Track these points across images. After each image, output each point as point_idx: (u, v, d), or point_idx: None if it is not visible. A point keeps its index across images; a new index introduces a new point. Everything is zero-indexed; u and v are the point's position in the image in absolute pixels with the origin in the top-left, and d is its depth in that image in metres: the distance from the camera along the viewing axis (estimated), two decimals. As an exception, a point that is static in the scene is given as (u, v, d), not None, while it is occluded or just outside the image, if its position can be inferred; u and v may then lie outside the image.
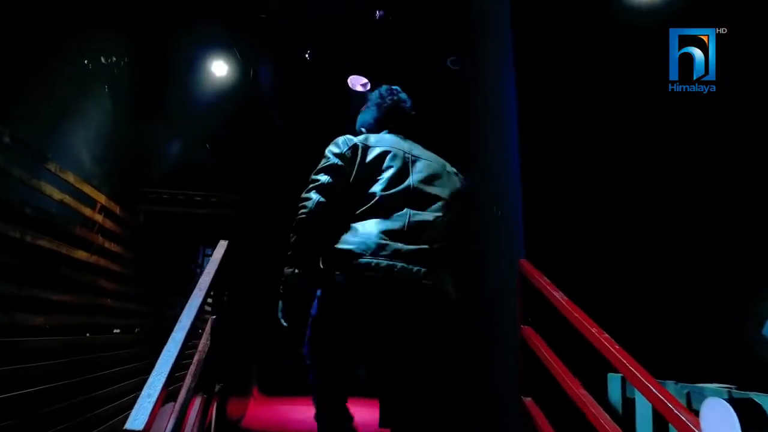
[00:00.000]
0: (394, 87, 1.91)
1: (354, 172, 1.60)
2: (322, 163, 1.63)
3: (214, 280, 1.92)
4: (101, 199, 4.50)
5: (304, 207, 1.55)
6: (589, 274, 2.29)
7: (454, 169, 1.77)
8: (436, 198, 1.62)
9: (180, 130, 5.76)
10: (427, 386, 1.55)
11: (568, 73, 2.54)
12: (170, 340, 1.37)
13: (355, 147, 1.64)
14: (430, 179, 1.65)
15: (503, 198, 2.66)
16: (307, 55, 5.68)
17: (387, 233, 1.50)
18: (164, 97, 5.37)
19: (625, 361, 1.60)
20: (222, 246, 2.23)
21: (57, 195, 3.67)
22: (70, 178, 3.90)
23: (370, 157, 1.62)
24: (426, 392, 1.55)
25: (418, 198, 1.60)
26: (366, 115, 1.90)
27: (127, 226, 5.18)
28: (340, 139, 1.68)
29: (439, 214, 1.59)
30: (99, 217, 4.50)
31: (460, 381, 3.60)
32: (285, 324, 1.57)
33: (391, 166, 1.62)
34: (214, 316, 2.24)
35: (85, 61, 4.35)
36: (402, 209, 1.55)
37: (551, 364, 2.07)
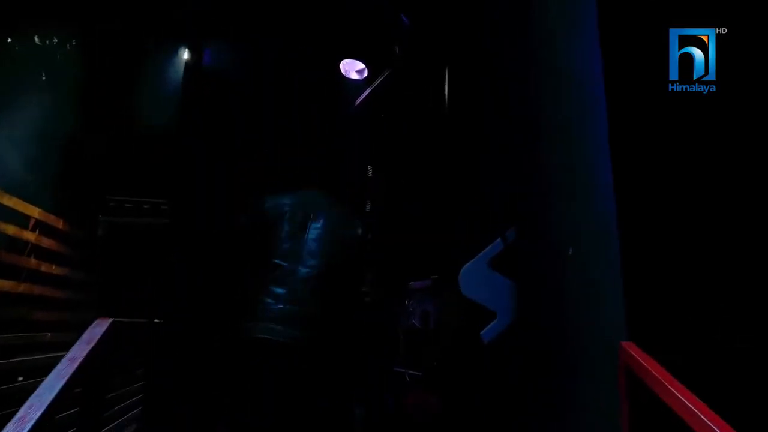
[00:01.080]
0: None
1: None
2: None
3: (68, 390, 0.95)
4: (34, 212, 3.60)
5: None
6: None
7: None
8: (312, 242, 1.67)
9: (144, 125, 4.85)
10: None
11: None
12: None
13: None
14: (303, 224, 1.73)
15: (584, 236, 1.72)
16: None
17: (273, 296, 1.60)
18: (122, 85, 4.48)
19: None
20: (92, 336, 1.25)
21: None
22: (-21, 189, 3.01)
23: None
24: None
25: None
26: None
27: (76, 243, 4.29)
28: None
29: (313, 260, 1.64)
30: (31, 236, 3.60)
31: None
32: None
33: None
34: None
35: (8, 39, 3.44)
36: (279, 266, 1.63)
37: None
